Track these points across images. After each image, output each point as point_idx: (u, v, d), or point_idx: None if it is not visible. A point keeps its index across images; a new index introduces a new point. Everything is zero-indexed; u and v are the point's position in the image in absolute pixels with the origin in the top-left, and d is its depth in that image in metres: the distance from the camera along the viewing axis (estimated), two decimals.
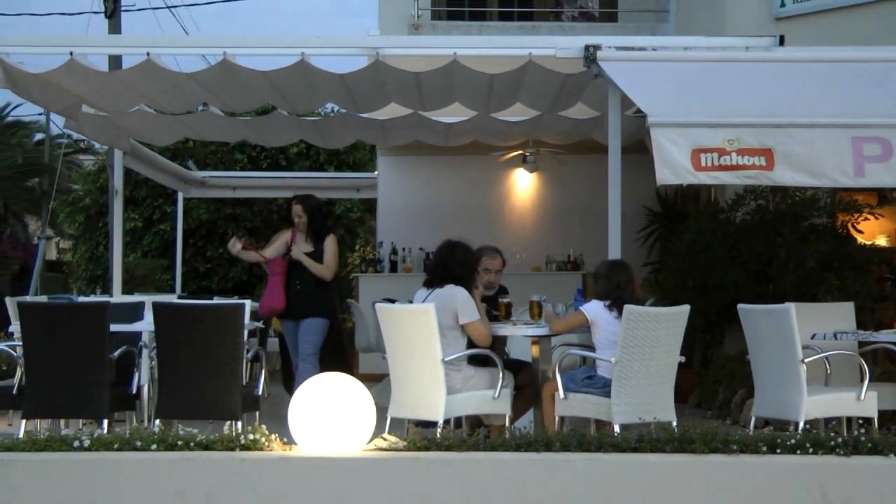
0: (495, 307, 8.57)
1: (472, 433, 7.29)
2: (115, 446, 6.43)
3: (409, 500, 6.16)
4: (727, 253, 11.16)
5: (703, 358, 11.70)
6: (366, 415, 6.38)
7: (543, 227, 15.87)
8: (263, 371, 8.68)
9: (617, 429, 7.33)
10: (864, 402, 7.77)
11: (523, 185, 16.05)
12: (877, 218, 12.12)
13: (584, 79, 10.08)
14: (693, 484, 6.27)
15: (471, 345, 7.99)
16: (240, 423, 7.49)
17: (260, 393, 8.23)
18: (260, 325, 11.20)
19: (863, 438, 6.37)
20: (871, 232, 13.55)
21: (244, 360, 8.04)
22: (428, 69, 10.52)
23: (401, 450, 6.38)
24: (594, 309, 7.88)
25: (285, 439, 6.50)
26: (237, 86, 10.90)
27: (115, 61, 16.00)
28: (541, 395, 8.01)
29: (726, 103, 8.32)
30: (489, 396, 7.81)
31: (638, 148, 8.60)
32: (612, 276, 7.98)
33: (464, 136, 13.96)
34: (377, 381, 9.92)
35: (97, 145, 21.13)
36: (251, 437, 6.44)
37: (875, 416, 7.76)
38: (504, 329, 8.26)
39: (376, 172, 16.83)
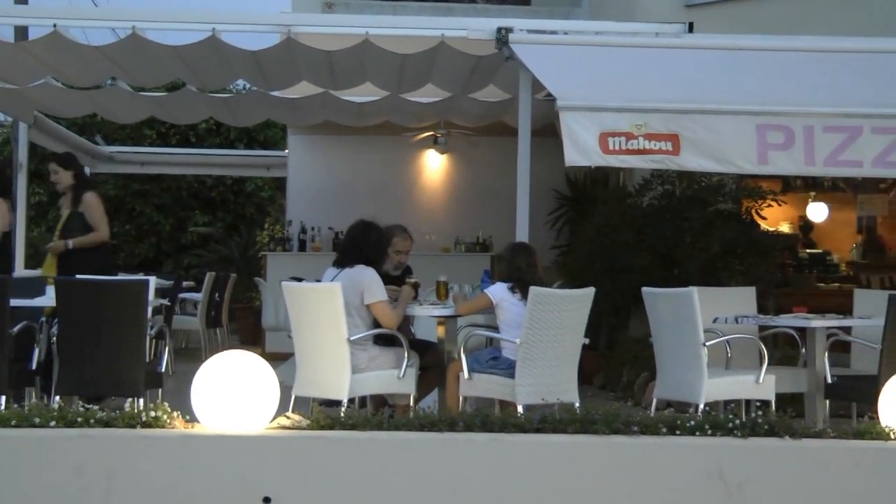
0: (400, 284, 8.56)
1: (377, 412, 7.28)
2: (13, 423, 6.33)
3: (311, 479, 6.14)
4: (634, 237, 11.27)
5: (609, 340, 11.82)
6: (269, 393, 6.34)
7: (453, 208, 15.91)
8: (167, 348, 8.59)
9: (520, 409, 7.38)
10: (762, 385, 7.90)
11: (434, 167, 16.06)
12: (780, 205, 12.33)
13: (496, 61, 10.11)
14: (595, 464, 6.32)
15: (377, 325, 7.99)
16: (142, 400, 7.41)
17: (163, 370, 8.15)
18: (165, 301, 11.08)
19: (760, 421, 6.46)
20: (775, 218, 13.81)
21: (148, 337, 7.95)
22: (340, 48, 10.49)
23: (304, 428, 6.35)
24: (498, 291, 7.92)
25: (187, 417, 6.44)
26: (146, 60, 10.77)
27: (22, 32, 15.71)
28: (446, 376, 8.04)
29: (635, 88, 8.39)
30: (394, 376, 7.83)
31: (548, 131, 8.65)
32: (514, 259, 8.03)
33: (375, 117, 13.94)
34: (284, 360, 9.87)
35: (2, 117, 20.69)
36: (153, 414, 6.37)
37: (773, 398, 7.89)
38: (410, 309, 8.27)
39: (287, 151, 16.73)
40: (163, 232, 23.25)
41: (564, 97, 7.66)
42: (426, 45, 10.35)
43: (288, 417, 6.49)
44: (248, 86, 14.07)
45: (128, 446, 6.18)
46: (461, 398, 7.82)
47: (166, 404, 6.52)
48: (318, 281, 8.20)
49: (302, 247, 15.46)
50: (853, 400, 8.25)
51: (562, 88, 7.91)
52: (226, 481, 6.09)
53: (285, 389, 6.88)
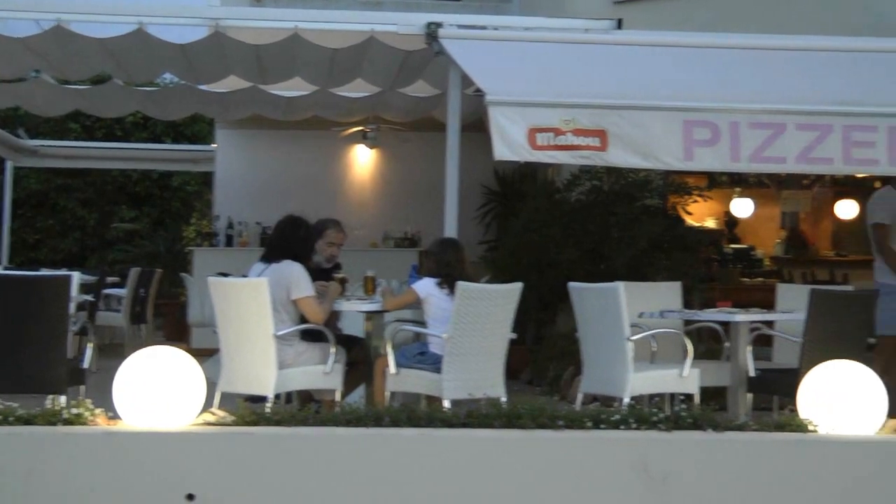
0: (328, 280, 8.53)
1: (303, 408, 7.26)
2: None
3: (236, 476, 6.10)
4: (562, 232, 11.32)
5: (536, 335, 11.87)
6: (194, 389, 6.29)
7: (382, 203, 15.89)
8: (91, 344, 8.48)
9: (447, 404, 7.39)
10: (686, 378, 7.99)
11: (363, 161, 16.03)
12: (705, 200, 12.45)
13: (426, 56, 10.11)
14: (521, 459, 6.34)
15: (304, 320, 7.95)
16: (64, 398, 7.31)
17: (86, 366, 8.05)
18: (89, 297, 10.95)
19: (684, 414, 6.52)
20: (701, 214, 13.95)
21: (70, 333, 7.85)
22: (269, 42, 10.43)
23: (229, 424, 6.31)
24: (425, 286, 7.93)
25: (110, 414, 6.37)
26: (71, 53, 10.63)
27: None
28: (373, 371, 8.03)
29: (564, 84, 8.41)
30: (321, 371, 7.81)
31: (477, 126, 8.67)
32: (442, 254, 8.05)
33: (304, 111, 13.88)
34: (210, 356, 9.79)
35: None
36: (74, 411, 6.29)
37: (697, 392, 7.98)
38: (338, 304, 8.25)
39: (215, 145, 16.61)
40: (87, 227, 23.00)
41: (493, 92, 7.66)
42: (356, 39, 10.32)
43: (213, 414, 6.44)
44: (175, 79, 13.95)
45: (48, 444, 6.10)
46: (388, 393, 7.82)
47: (89, 401, 6.45)
48: (245, 276, 8.15)
49: (229, 242, 15.36)
50: (775, 393, 8.36)
51: (491, 83, 7.91)
52: (149, 479, 6.03)
53: (211, 385, 6.83)
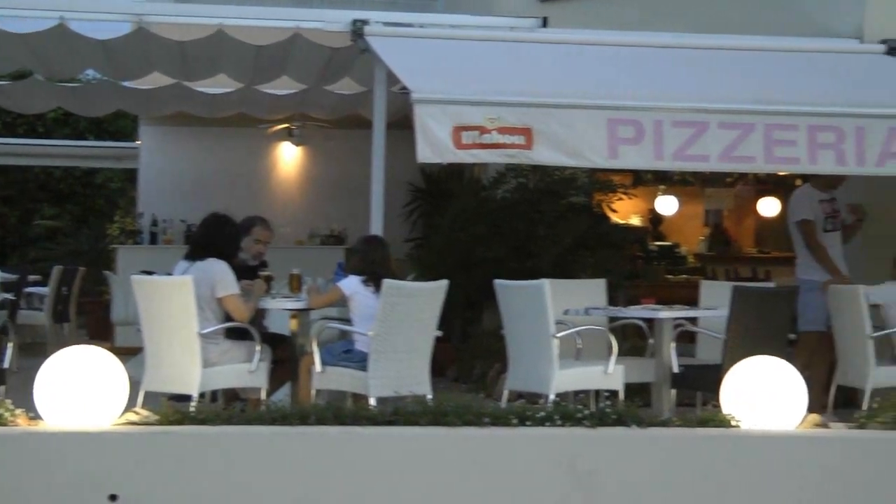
0: (253, 278, 8.47)
1: (228, 407, 7.22)
2: None
3: (160, 475, 6.05)
4: (488, 230, 11.35)
5: (463, 333, 11.89)
6: (117, 388, 6.22)
7: (308, 200, 15.82)
8: (11, 344, 8.35)
9: (373, 402, 7.39)
10: (611, 375, 8.05)
11: (289, 159, 15.96)
12: (630, 198, 12.55)
13: (352, 53, 10.09)
14: (447, 456, 6.36)
15: (229, 318, 7.91)
16: None
17: (7, 366, 7.93)
18: (10, 296, 10.79)
19: (608, 411, 6.57)
20: (626, 211, 14.05)
21: None
22: (193, 38, 10.34)
23: (153, 423, 6.25)
24: (350, 284, 7.92)
25: (31, 414, 6.29)
26: None
27: None
28: (298, 369, 8.00)
29: (490, 82, 8.42)
30: (246, 370, 7.77)
31: (404, 124, 8.65)
32: (367, 252, 8.05)
33: (229, 108, 13.79)
34: (134, 355, 9.70)
35: None
36: None
37: (621, 388, 8.04)
38: (263, 302, 8.21)
39: (139, 142, 16.44)
40: (8, 224, 22.65)
41: (419, 90, 7.65)
42: (281, 36, 10.28)
43: (136, 413, 6.38)
44: (98, 75, 13.79)
45: None
46: (313, 391, 7.79)
47: (9, 401, 6.36)
48: (170, 274, 8.08)
49: (153, 240, 15.22)
50: (698, 389, 8.45)
51: (416, 81, 7.90)
52: (71, 480, 5.95)
53: (134, 385, 6.77)
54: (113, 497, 5.90)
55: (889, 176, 8.69)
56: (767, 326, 8.21)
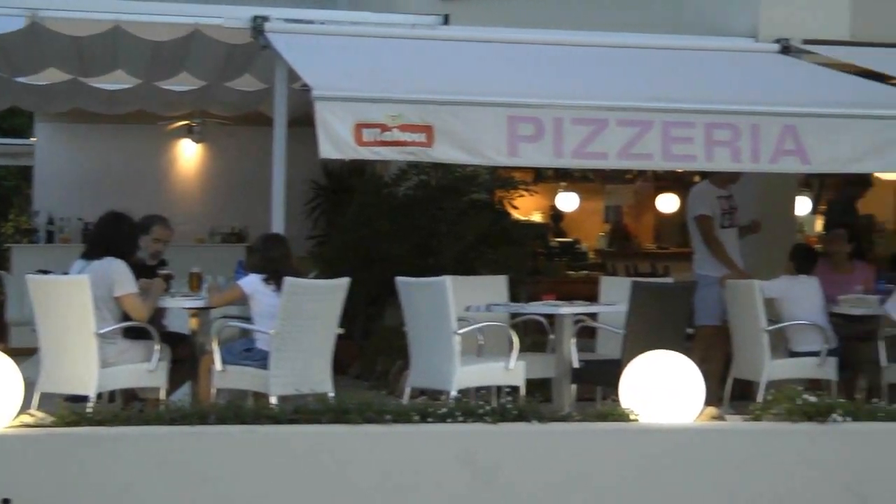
0: (152, 277, 8.38)
1: (126, 407, 7.14)
2: None
3: (56, 478, 5.96)
4: (390, 227, 11.34)
5: (365, 330, 11.87)
6: (11, 389, 6.11)
7: (208, 198, 15.67)
8: None
9: (274, 400, 7.36)
10: (512, 371, 8.09)
11: (189, 156, 15.80)
12: (531, 195, 12.63)
13: (252, 50, 9.99)
14: (349, 453, 6.35)
15: (127, 317, 7.81)
16: None
17: None
18: None
19: (509, 406, 6.61)
20: (527, 208, 14.14)
21: None
22: (89, 34, 10.18)
23: (48, 425, 6.15)
24: (251, 282, 7.88)
25: None
26: None
27: None
28: (198, 368, 7.94)
29: (391, 79, 8.41)
30: (144, 369, 7.70)
31: (305, 121, 8.60)
32: (267, 250, 8.02)
33: (128, 105, 13.60)
34: (31, 356, 9.54)
35: None
36: None
37: (522, 384, 8.09)
38: (162, 301, 8.13)
39: (34, 139, 16.15)
40: None
41: (320, 87, 7.62)
42: (180, 32, 10.14)
43: (31, 415, 6.28)
44: None
45: None
46: (214, 391, 7.74)
47: None
48: (66, 273, 7.96)
49: (50, 238, 14.96)
50: (598, 384, 8.53)
51: (317, 78, 7.87)
52: None
53: (30, 386, 6.66)
54: (6, 501, 5.79)
55: (783, 172, 8.90)
56: (666, 321, 8.32)
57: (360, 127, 7.49)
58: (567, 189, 15.38)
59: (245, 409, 6.51)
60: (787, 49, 10.24)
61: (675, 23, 10.76)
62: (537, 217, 15.30)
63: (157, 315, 8.32)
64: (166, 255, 9.02)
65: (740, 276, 9.28)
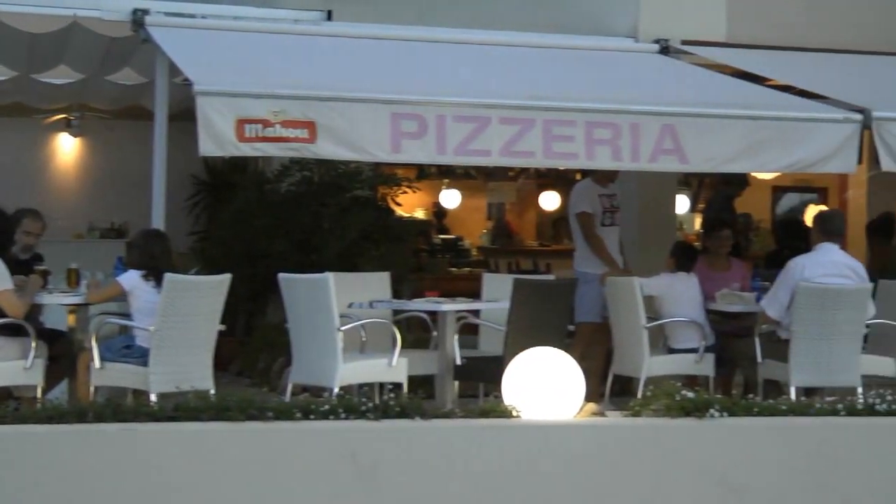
0: (28, 273, 8.22)
1: (1, 406, 6.97)
2: None
3: None
4: (273, 223, 11.27)
5: (247, 326, 11.79)
6: None
7: (87, 193, 15.44)
8: None
9: (154, 398, 7.27)
10: (395, 368, 8.10)
11: (67, 150, 15.54)
12: (415, 191, 12.65)
13: (132, 43, 9.86)
14: (230, 451, 6.31)
15: (2, 314, 7.66)
16: None
17: None
18: None
19: (392, 403, 6.63)
20: (410, 205, 14.18)
21: None
22: None
23: None
24: (130, 279, 7.78)
25: None
26: None
27: None
28: (76, 365, 7.82)
29: (274, 75, 8.36)
30: (20, 367, 7.54)
31: (187, 116, 8.51)
32: (146, 246, 7.93)
33: (4, 97, 13.32)
34: None
35: None
36: None
37: (405, 381, 8.10)
38: (39, 297, 7.98)
39: None
40: None
41: (201, 82, 7.54)
42: (58, 24, 9.95)
43: None
44: None
45: None
46: (92, 388, 7.63)
47: None
48: None
49: None
50: (481, 380, 8.59)
51: (199, 73, 7.79)
52: None
53: None
54: None
55: (662, 171, 9.04)
56: (547, 318, 8.41)
57: (241, 122, 7.43)
58: (450, 186, 15.44)
59: (124, 407, 6.44)
60: (666, 49, 10.42)
61: (557, 22, 10.86)
62: (420, 214, 15.35)
63: (34, 312, 8.15)
64: (43, 251, 8.85)
65: (619, 274, 9.41)
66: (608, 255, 9.65)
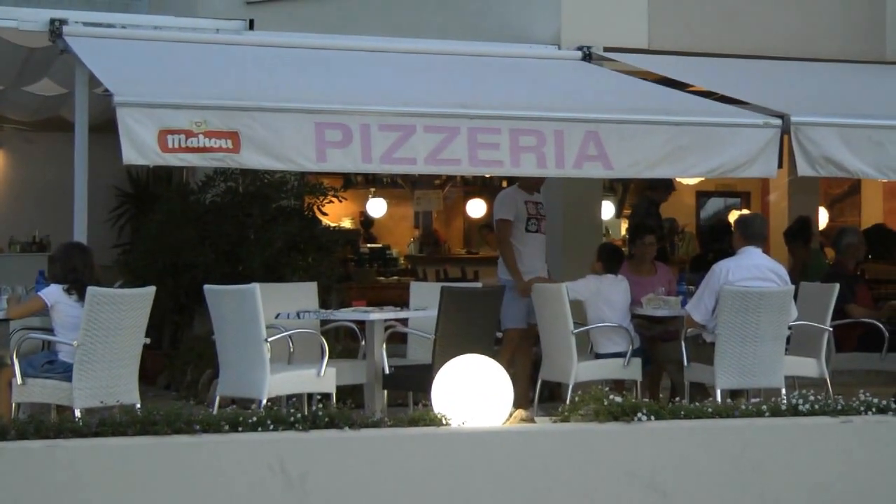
0: None
1: None
2: None
3: None
4: (198, 234, 11.19)
5: (173, 339, 11.68)
6: None
7: (7, 206, 15.24)
8: None
9: (78, 413, 7.18)
10: (323, 378, 8.08)
11: None
12: (341, 201, 12.61)
13: (51, 54, 9.74)
14: (157, 465, 6.23)
15: None
16: None
17: None
18: None
19: (321, 413, 6.59)
20: (337, 214, 14.14)
21: None
22: None
23: None
24: (52, 293, 7.69)
25: None
26: None
27: None
28: None
29: (196, 85, 8.32)
30: None
31: (108, 127, 8.44)
32: (68, 260, 7.83)
33: None
34: None
35: None
36: None
37: (333, 391, 8.08)
38: None
39: None
40: None
41: (121, 93, 7.46)
42: None
43: None
44: None
45: None
46: (14, 405, 7.50)
47: None
48: None
49: None
50: (409, 389, 8.59)
51: (119, 84, 7.72)
52: None
53: None
54: None
55: (587, 177, 9.09)
56: (475, 325, 8.42)
57: (164, 133, 7.37)
58: (376, 195, 15.44)
59: (47, 424, 6.31)
60: (588, 57, 10.50)
61: (480, 29, 10.90)
62: (347, 223, 15.32)
63: None
64: None
65: (527, 286, 9.42)
66: (515, 265, 9.64)
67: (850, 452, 7.15)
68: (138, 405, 7.34)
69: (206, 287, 8.20)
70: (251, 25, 10.15)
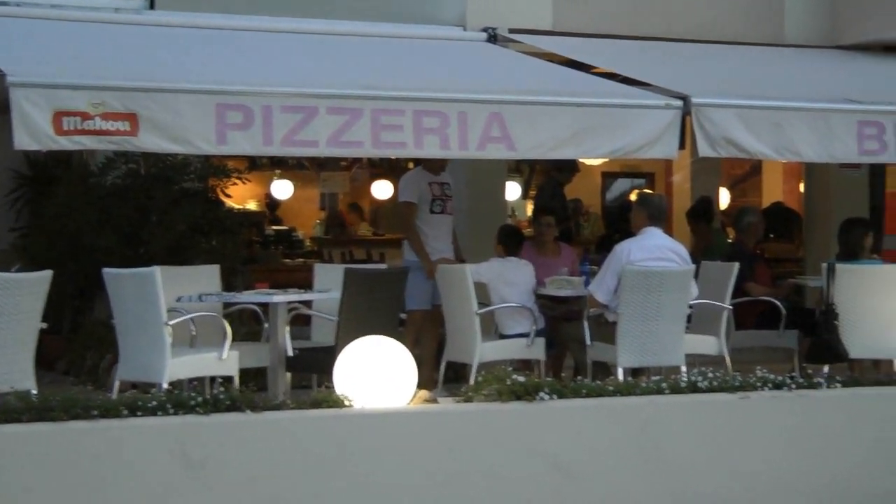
0: None
1: None
2: None
3: None
4: (98, 217, 11.01)
5: (73, 324, 11.50)
6: None
7: None
8: None
9: None
10: (226, 361, 8.00)
11: None
12: (245, 183, 12.50)
13: None
14: (54, 453, 6.16)
15: None
16: None
17: None
18: None
19: (222, 397, 6.56)
20: (242, 196, 14.03)
21: None
22: None
23: None
24: None
25: None
26: None
27: None
28: None
29: (94, 66, 8.17)
30: None
31: (3, 109, 8.26)
32: None
33: None
34: None
35: None
36: None
37: (236, 374, 8.01)
38: None
39: None
40: None
41: (15, 73, 7.30)
42: None
43: None
44: None
45: None
46: None
47: None
48: None
49: None
50: (313, 371, 8.54)
51: (13, 64, 7.55)
52: None
53: None
54: None
55: (491, 159, 9.11)
56: (378, 307, 8.40)
57: (59, 115, 7.22)
58: (282, 177, 15.34)
59: None
60: (493, 38, 10.52)
61: (384, 11, 10.84)
62: (252, 205, 15.21)
63: None
64: None
65: (432, 266, 9.43)
66: (421, 246, 9.64)
67: (749, 428, 7.29)
68: (34, 391, 7.21)
69: (105, 270, 8.08)
70: (152, 5, 10.01)
